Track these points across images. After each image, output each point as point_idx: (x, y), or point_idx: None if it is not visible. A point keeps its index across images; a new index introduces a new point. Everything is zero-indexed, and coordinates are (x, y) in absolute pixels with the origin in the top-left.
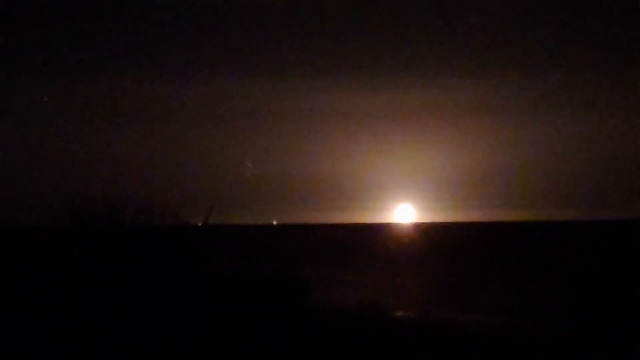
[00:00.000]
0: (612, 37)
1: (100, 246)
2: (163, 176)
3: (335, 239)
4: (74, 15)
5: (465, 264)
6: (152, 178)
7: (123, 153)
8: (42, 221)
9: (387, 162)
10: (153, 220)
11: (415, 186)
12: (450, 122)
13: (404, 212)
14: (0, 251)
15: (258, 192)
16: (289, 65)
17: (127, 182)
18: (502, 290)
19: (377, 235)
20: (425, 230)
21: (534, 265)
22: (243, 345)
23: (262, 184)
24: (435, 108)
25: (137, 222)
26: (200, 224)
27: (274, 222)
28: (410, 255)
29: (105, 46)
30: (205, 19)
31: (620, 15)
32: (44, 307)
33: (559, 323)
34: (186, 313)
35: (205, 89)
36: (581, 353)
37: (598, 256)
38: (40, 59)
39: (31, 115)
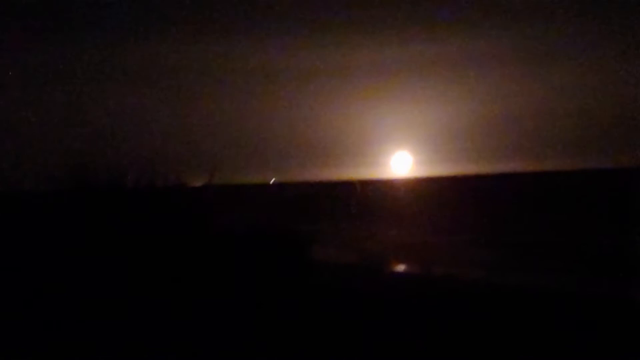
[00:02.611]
0: None
1: (103, 209)
2: (164, 137)
3: (335, 195)
4: None
5: (464, 220)
6: (152, 139)
7: (122, 114)
8: (42, 185)
9: (384, 115)
10: (156, 182)
11: (413, 137)
12: (446, 74)
13: (401, 161)
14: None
15: (255, 150)
16: (286, 25)
17: (128, 144)
18: (501, 246)
19: (375, 190)
20: (422, 185)
21: (528, 220)
22: (247, 304)
23: (260, 142)
24: (432, 61)
25: (140, 184)
26: (203, 185)
27: (272, 181)
28: (408, 211)
29: (103, 6)
30: None
31: None
32: (47, 274)
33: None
34: (192, 274)
35: (202, 50)
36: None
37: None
38: (32, 19)
39: (28, 76)
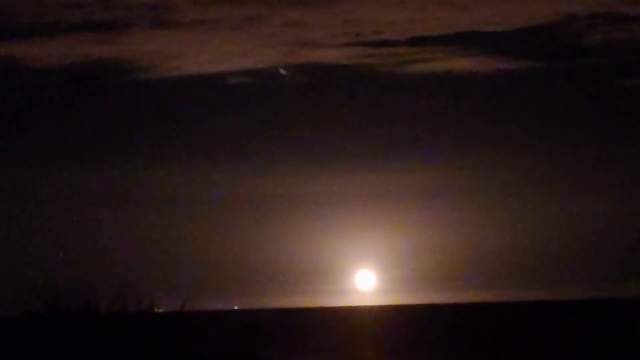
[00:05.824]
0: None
1: (75, 335)
2: (136, 264)
3: (298, 322)
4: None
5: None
6: (126, 265)
7: (97, 240)
8: (14, 311)
9: (347, 241)
10: (128, 308)
11: (379, 263)
12: (406, 204)
13: (366, 286)
14: None
15: (221, 278)
16: (256, 152)
17: (102, 269)
18: None
19: (339, 317)
20: (387, 313)
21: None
22: None
23: (224, 269)
24: (395, 190)
25: (113, 310)
26: (175, 311)
27: (235, 307)
28: (374, 340)
29: (79, 133)
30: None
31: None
32: None
33: None
34: None
35: (172, 177)
36: None
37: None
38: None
39: None
